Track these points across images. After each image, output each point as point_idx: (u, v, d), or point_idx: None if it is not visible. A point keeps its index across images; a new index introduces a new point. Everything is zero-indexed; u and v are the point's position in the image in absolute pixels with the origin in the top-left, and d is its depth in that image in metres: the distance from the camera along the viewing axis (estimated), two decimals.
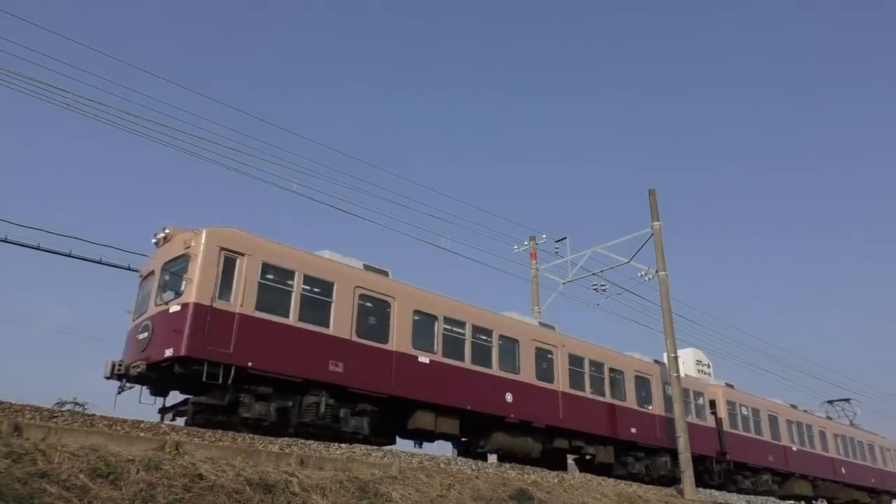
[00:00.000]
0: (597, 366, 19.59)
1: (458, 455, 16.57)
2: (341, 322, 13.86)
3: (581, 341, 19.60)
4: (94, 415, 10.34)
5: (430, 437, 15.74)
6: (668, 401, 21.16)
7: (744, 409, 24.98)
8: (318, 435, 13.07)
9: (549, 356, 18.24)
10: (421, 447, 15.88)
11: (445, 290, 17.01)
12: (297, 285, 13.43)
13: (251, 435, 11.64)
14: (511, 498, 12.88)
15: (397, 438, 15.87)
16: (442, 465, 13.55)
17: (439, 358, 15.36)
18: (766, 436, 25.52)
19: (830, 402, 35.77)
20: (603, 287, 25.28)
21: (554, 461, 18.27)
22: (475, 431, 16.49)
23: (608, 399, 19.52)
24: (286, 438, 12.07)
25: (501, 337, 17.06)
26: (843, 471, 29.98)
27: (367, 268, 15.20)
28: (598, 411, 19.02)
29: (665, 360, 21.63)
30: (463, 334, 16.21)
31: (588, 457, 19.37)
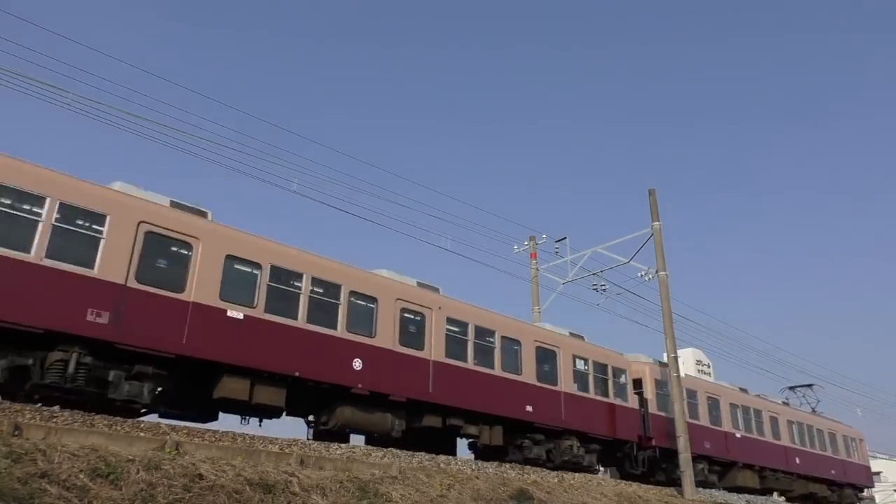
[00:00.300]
0: (485, 333, 16.78)
1: (314, 435, 14.66)
2: (112, 263, 11.21)
3: (468, 305, 16.92)
4: (94, 415, 10.33)
5: (248, 409, 13.18)
6: (580, 377, 18.96)
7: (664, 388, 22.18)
8: (74, 403, 10.63)
9: (419, 319, 15.56)
10: (247, 422, 13.62)
11: (446, 290, 16.96)
12: (48, 214, 10.76)
13: (251, 435, 11.63)
14: (511, 498, 12.88)
15: (219, 415, 13.55)
16: (442, 465, 13.56)
17: (259, 314, 12.79)
18: (704, 420, 22.91)
19: (792, 388, 33.19)
20: (603, 287, 25.29)
21: (437, 442, 15.97)
22: (322, 405, 14.17)
23: (498, 372, 16.68)
24: (286, 438, 12.07)
25: (354, 294, 14.35)
26: (798, 461, 27.26)
27: (173, 204, 12.75)
28: (483, 385, 16.22)
29: (588, 342, 21.91)
30: (299, 288, 13.54)
31: (470, 439, 16.96)
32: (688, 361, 28.64)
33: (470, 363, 16.20)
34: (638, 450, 20.36)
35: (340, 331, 13.97)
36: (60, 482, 7.58)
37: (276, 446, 11.38)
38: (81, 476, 7.82)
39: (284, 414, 13.93)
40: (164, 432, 10.24)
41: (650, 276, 22.84)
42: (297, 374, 13.01)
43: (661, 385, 21.64)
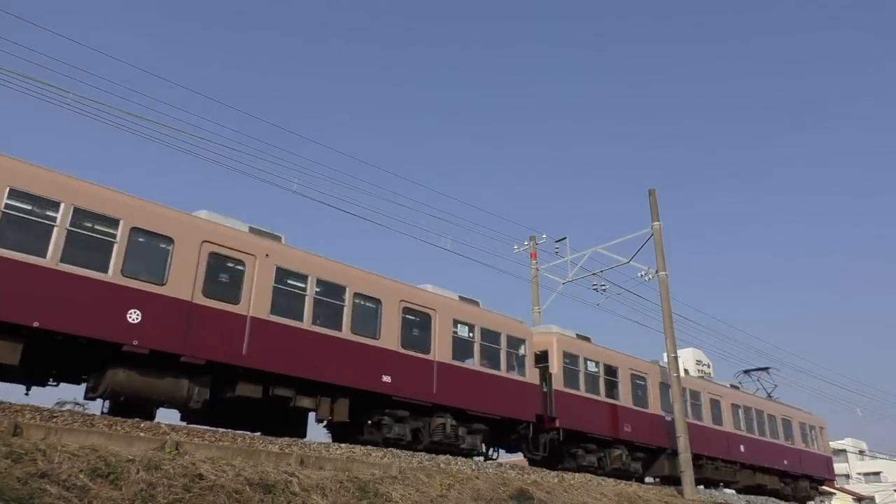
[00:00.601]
0: (331, 289, 14.19)
1: (84, 406, 12.52)
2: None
3: (311, 255, 14.37)
4: (94, 415, 10.35)
5: None
6: (463, 346, 16.28)
7: (591, 366, 19.56)
8: None
9: (232, 266, 13.10)
10: None
11: (452, 289, 16.85)
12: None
13: (251, 435, 11.64)
14: (511, 498, 12.89)
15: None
16: (442, 465, 13.58)
17: None
18: (626, 401, 20.25)
19: (747, 371, 30.39)
20: (603, 287, 25.30)
21: (276, 418, 13.92)
22: (94, 367, 11.74)
23: (346, 335, 14.03)
24: (286, 438, 12.09)
25: (136, 231, 11.82)
26: (743, 449, 24.47)
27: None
28: (324, 350, 13.61)
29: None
30: (53, 220, 10.95)
31: (308, 413, 14.44)
32: (688, 361, 28.67)
33: (306, 323, 13.50)
34: (537, 431, 17.57)
35: (112, 274, 11.36)
36: (60, 482, 7.58)
37: (276, 446, 11.41)
38: (81, 476, 7.82)
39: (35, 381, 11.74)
40: (164, 432, 10.26)
41: (650, 276, 22.85)
42: (36, 324, 10.40)
43: (571, 359, 19.05)
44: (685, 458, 19.36)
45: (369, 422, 14.66)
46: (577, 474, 16.92)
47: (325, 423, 14.82)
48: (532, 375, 17.67)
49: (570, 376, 18.85)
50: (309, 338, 13.51)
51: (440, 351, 15.66)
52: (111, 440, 9.09)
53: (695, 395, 23.21)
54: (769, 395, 29.13)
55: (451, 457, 14.65)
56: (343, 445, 12.83)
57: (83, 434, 9.02)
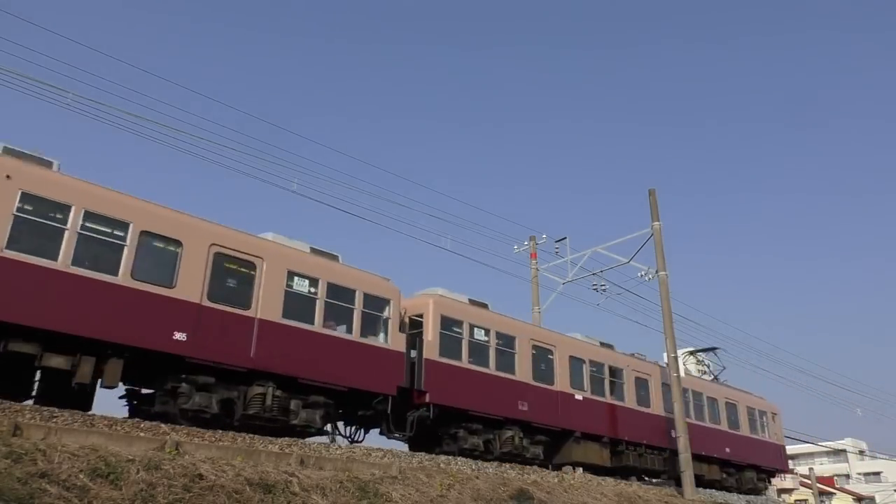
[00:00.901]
0: (93, 219, 11.39)
1: None
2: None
3: (70, 178, 11.59)
4: (94, 415, 10.34)
5: None
6: (298, 302, 13.74)
7: (479, 334, 16.69)
8: None
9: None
10: None
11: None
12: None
13: (252, 435, 11.65)
14: (511, 498, 12.90)
15: None
16: (442, 465, 13.59)
17: None
18: (523, 375, 17.40)
19: (692, 352, 27.81)
20: (603, 287, 25.32)
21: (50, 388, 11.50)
22: None
23: (111, 278, 11.27)
24: (286, 438, 12.09)
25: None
26: (674, 434, 21.37)
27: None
28: (78, 297, 10.81)
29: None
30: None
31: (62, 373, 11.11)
32: (688, 361, 28.60)
33: (61, 264, 10.81)
34: (406, 408, 15.14)
35: None
36: (60, 482, 7.58)
37: (276, 446, 11.42)
38: (81, 476, 7.83)
39: None
40: (164, 432, 10.26)
41: (650, 276, 22.87)
42: None
43: (450, 325, 16.10)
44: (685, 458, 19.34)
45: (162, 390, 12.13)
46: (577, 474, 16.91)
47: (122, 394, 12.81)
48: (397, 342, 14.93)
49: (451, 345, 15.92)
50: (64, 281, 10.83)
51: (265, 307, 13.11)
52: (111, 440, 9.10)
53: (616, 372, 20.52)
54: (715, 378, 26.79)
55: (450, 457, 14.63)
56: (343, 445, 12.83)
57: (83, 434, 9.03)
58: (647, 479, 21.34)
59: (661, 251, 21.67)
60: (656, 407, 21.59)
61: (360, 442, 15.44)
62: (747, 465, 25.12)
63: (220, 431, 11.28)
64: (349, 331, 14.32)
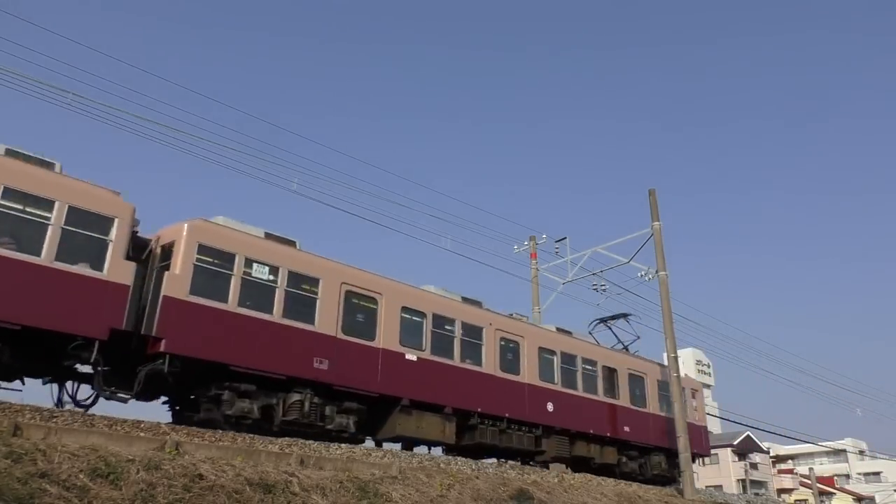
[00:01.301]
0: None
1: None
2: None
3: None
4: (94, 415, 10.35)
5: None
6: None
7: (259, 271, 13.39)
8: None
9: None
10: None
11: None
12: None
13: (251, 435, 11.65)
14: (511, 498, 12.89)
15: None
16: (442, 465, 13.59)
17: None
18: (327, 327, 14.09)
19: (602, 320, 23.87)
20: (603, 287, 25.31)
21: None
22: None
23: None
24: (286, 438, 12.09)
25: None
26: (552, 408, 18.21)
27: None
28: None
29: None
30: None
31: None
32: (688, 361, 28.53)
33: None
34: (101, 352, 11.39)
35: None
36: (60, 482, 7.59)
37: (276, 446, 11.42)
38: (81, 476, 7.83)
39: None
40: (164, 432, 10.27)
41: (650, 276, 22.88)
42: None
43: (215, 257, 12.91)
44: (685, 458, 19.33)
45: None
46: (577, 474, 16.89)
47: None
48: (116, 271, 11.69)
49: (212, 283, 12.73)
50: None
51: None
52: (111, 440, 9.10)
53: (471, 329, 16.87)
54: (625, 348, 23.37)
55: (450, 457, 14.63)
56: (343, 445, 12.83)
57: (83, 434, 9.03)
58: (521, 460, 17.87)
59: (661, 251, 21.68)
60: (530, 375, 17.95)
61: (90, 404, 12.58)
62: (655, 447, 21.39)
63: (220, 431, 11.29)
64: (36, 253, 10.93)
